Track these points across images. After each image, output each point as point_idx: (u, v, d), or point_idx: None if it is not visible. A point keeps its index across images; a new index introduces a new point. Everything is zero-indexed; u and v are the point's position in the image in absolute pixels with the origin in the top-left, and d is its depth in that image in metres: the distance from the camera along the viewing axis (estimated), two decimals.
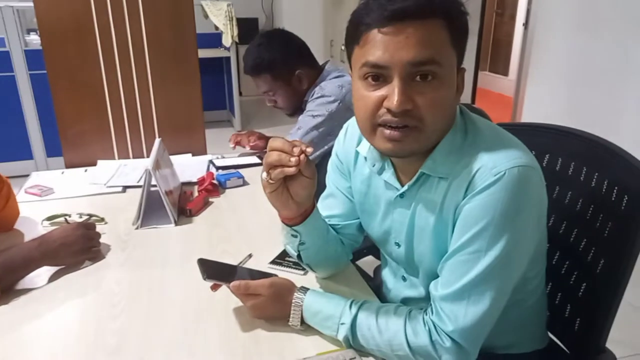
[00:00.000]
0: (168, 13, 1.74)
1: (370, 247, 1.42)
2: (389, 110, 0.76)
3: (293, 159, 0.78)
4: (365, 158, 0.95)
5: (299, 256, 0.99)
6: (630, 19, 2.58)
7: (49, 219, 1.30)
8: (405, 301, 0.98)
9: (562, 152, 1.06)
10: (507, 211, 0.74)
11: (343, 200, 1.04)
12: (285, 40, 1.68)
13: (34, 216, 1.34)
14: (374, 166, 0.93)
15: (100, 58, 1.70)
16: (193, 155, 1.85)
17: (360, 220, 1.03)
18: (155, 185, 1.29)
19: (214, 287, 0.95)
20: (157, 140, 1.45)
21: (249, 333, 0.89)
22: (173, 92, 1.80)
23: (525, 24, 3.56)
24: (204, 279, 0.89)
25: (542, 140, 1.08)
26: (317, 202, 0.98)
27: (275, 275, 0.97)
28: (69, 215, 1.31)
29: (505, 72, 6.03)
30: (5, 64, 3.48)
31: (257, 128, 5.06)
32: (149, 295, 1.02)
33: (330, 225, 1.04)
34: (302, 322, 0.88)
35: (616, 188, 0.93)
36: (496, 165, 0.75)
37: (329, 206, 1.05)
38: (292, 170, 0.79)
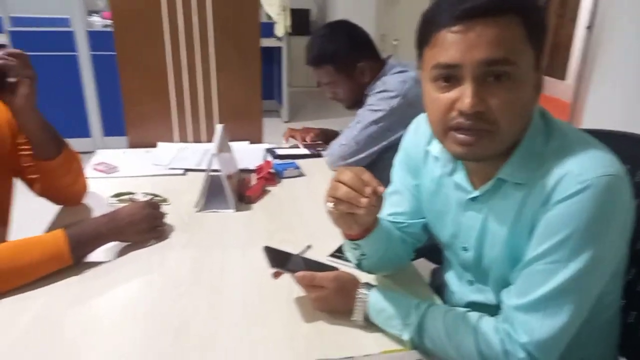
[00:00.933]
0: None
1: (423, 249, 1.39)
2: (461, 113, 0.73)
3: (364, 201, 0.75)
4: (437, 158, 0.93)
5: (359, 264, 0.98)
6: None
7: (115, 195, 1.34)
8: (471, 306, 0.95)
9: None
10: (592, 222, 0.71)
11: (409, 198, 1.02)
12: (349, 32, 1.66)
13: (100, 192, 1.39)
14: (445, 166, 0.91)
15: (167, 42, 1.73)
16: (250, 143, 1.87)
17: (427, 220, 1.01)
18: (217, 170, 1.30)
19: (276, 275, 0.95)
20: (220, 126, 1.47)
21: (311, 324, 0.89)
22: (234, 78, 1.82)
23: (590, 27, 3.42)
24: (271, 267, 0.90)
25: (622, 149, 1.02)
26: None
27: (336, 268, 0.97)
28: (134, 194, 1.34)
29: (562, 76, 5.81)
30: (69, 43, 3.62)
31: (304, 120, 5.09)
32: (210, 279, 1.03)
33: (394, 222, 1.03)
34: (365, 318, 0.87)
35: None
36: (583, 172, 0.71)
37: (394, 203, 1.04)
38: (360, 212, 0.77)
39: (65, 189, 1.26)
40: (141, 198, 1.32)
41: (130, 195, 1.33)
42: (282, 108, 5.00)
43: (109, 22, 3.62)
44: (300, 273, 0.89)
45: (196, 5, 1.72)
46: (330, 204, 0.79)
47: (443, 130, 0.78)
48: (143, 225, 1.12)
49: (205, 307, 0.94)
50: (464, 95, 0.72)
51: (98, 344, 0.83)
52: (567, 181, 0.73)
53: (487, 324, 0.80)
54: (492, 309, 0.90)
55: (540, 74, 0.77)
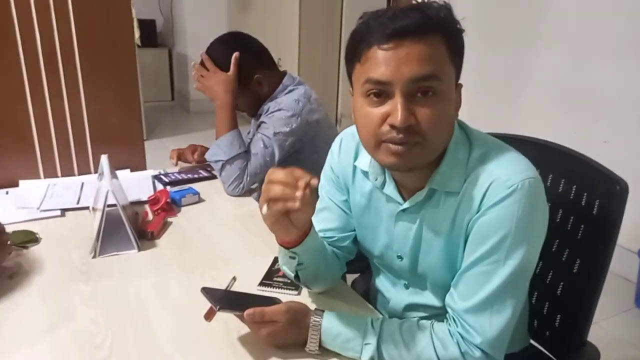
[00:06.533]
0: (101, 7, 1.56)
1: None
2: (392, 127, 0.77)
3: (298, 194, 0.74)
4: (365, 173, 0.95)
5: (296, 276, 0.96)
6: (528, 30, 2.88)
7: None
8: (411, 307, 1.00)
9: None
10: (522, 222, 0.78)
11: (339, 213, 1.03)
12: (247, 41, 1.61)
13: None
14: (376, 180, 0.93)
15: (22, 62, 1.49)
16: (131, 170, 1.70)
17: (357, 233, 1.03)
18: (111, 206, 1.16)
19: (209, 316, 0.88)
20: (104, 157, 1.32)
21: None
22: (108, 98, 1.62)
23: None
24: (217, 311, 0.82)
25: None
26: None
27: (277, 299, 0.94)
28: None
29: None
30: None
31: (163, 136, 4.82)
32: (134, 332, 0.91)
33: (325, 238, 1.03)
34: (320, 345, 0.85)
35: (585, 194, 1.03)
36: (509, 178, 0.79)
37: (323, 220, 1.04)
38: (296, 205, 0.74)
39: None
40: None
41: None
42: None
43: None
44: (249, 311, 0.83)
45: (55, 16, 1.49)
46: (265, 208, 0.76)
47: (375, 143, 0.80)
48: None
49: None
50: (395, 110, 0.76)
51: None
52: (495, 187, 0.80)
53: (440, 329, 0.83)
54: (433, 309, 0.95)
55: (459, 91, 0.84)
